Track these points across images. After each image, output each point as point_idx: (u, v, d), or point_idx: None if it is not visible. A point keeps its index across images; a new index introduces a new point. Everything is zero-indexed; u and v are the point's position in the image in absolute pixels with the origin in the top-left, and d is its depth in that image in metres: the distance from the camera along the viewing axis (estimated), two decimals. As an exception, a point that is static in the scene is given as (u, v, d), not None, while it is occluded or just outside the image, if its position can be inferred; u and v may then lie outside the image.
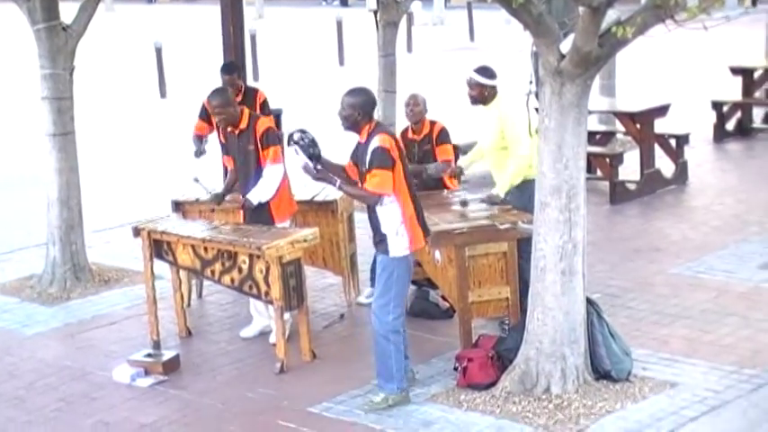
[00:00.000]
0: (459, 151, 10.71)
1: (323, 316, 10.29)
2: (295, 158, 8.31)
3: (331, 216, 10.34)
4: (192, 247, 9.37)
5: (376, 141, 8.09)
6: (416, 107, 10.31)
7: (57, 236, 11.41)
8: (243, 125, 9.61)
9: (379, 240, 8.27)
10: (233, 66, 11.85)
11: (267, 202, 9.60)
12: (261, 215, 9.60)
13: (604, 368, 8.44)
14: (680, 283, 10.77)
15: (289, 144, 8.28)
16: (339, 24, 28.70)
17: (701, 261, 11.38)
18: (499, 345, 8.72)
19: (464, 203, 9.57)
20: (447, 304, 9.84)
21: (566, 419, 7.90)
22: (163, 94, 24.74)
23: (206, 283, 10.55)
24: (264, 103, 11.64)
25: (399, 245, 8.20)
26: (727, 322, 9.70)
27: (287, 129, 11.11)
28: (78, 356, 9.75)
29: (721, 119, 17.24)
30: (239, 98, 11.30)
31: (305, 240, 9.24)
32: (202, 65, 25.35)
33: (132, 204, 14.27)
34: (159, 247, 9.55)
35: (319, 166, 8.25)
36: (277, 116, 12.90)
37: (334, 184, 8.36)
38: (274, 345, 9.27)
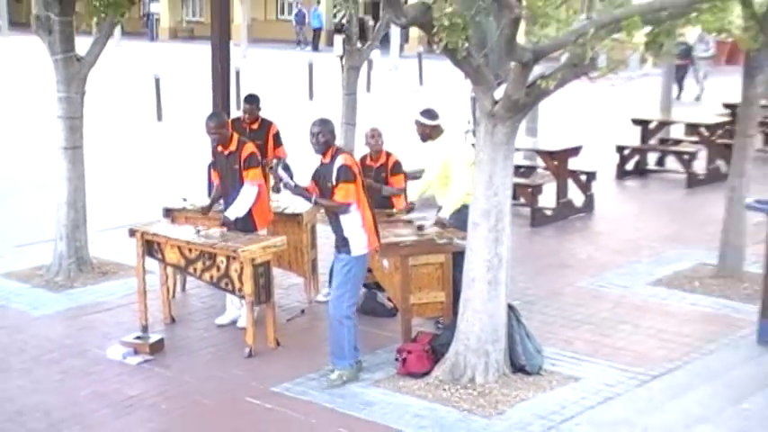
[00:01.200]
0: (408, 177, 10.71)
1: (287, 310, 10.23)
2: (278, 177, 8.45)
3: (297, 226, 10.29)
4: (179, 247, 9.31)
5: (340, 160, 8.25)
6: (378, 139, 10.33)
7: (64, 233, 11.32)
8: (232, 147, 9.55)
9: (342, 243, 8.35)
10: (254, 97, 11.54)
11: (251, 212, 9.53)
12: (246, 222, 9.55)
13: (520, 363, 8.48)
14: (585, 295, 10.82)
15: (272, 170, 8.41)
16: (310, 66, 28.69)
17: (603, 277, 11.44)
18: (434, 340, 8.73)
19: (420, 228, 9.51)
20: (391, 305, 9.81)
21: (487, 405, 7.92)
22: (159, 118, 24.54)
23: (189, 278, 10.44)
24: (277, 135, 11.48)
25: (359, 245, 8.32)
26: (621, 329, 9.76)
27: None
28: (78, 336, 9.66)
29: (623, 160, 17.39)
30: (255, 126, 11.26)
31: (274, 246, 9.24)
32: (194, 95, 25.18)
33: (129, 209, 14.12)
34: (150, 246, 9.48)
35: (298, 184, 8.42)
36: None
37: (310, 199, 8.49)
38: (243, 329, 9.25)
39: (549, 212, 14.19)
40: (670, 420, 7.39)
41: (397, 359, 8.63)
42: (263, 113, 11.49)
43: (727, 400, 7.79)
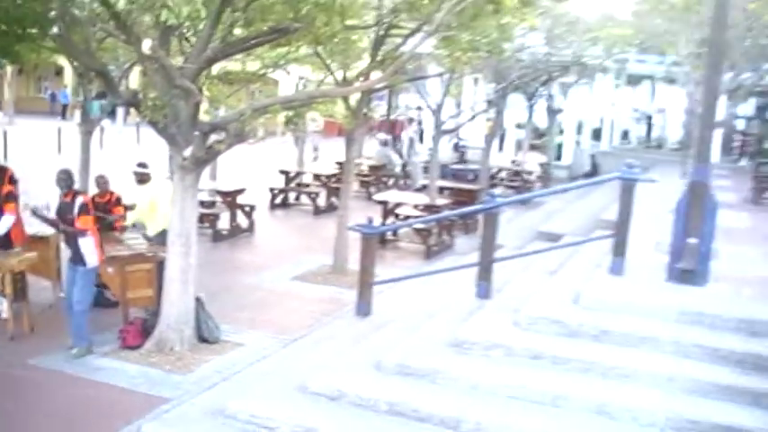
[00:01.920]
0: (126, 209, 10.13)
1: (38, 305, 9.28)
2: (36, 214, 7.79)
3: (46, 245, 9.46)
4: (-48, 263, 8.26)
5: (81, 199, 7.74)
6: (105, 183, 9.79)
7: None
8: None
9: (79, 258, 7.76)
10: None
11: (9, 234, 8.74)
12: (6, 242, 8.76)
13: (204, 336, 8.28)
14: (249, 287, 10.72)
15: (29, 207, 7.81)
16: (59, 130, 26.66)
17: (260, 275, 11.38)
18: (145, 323, 8.30)
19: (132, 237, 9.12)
20: (115, 299, 9.21)
21: (182, 366, 7.65)
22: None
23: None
24: (11, 176, 10.43)
25: (92, 259, 7.78)
26: (272, 309, 9.76)
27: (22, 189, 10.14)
28: None
29: (273, 197, 17.48)
30: None
31: (28, 259, 8.54)
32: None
33: None
34: (-72, 262, 8.35)
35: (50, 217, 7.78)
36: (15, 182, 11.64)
37: (58, 227, 7.85)
38: (5, 319, 8.39)
39: (224, 233, 13.94)
40: (302, 367, 7.41)
41: (119, 337, 8.16)
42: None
43: (337, 351, 7.95)
